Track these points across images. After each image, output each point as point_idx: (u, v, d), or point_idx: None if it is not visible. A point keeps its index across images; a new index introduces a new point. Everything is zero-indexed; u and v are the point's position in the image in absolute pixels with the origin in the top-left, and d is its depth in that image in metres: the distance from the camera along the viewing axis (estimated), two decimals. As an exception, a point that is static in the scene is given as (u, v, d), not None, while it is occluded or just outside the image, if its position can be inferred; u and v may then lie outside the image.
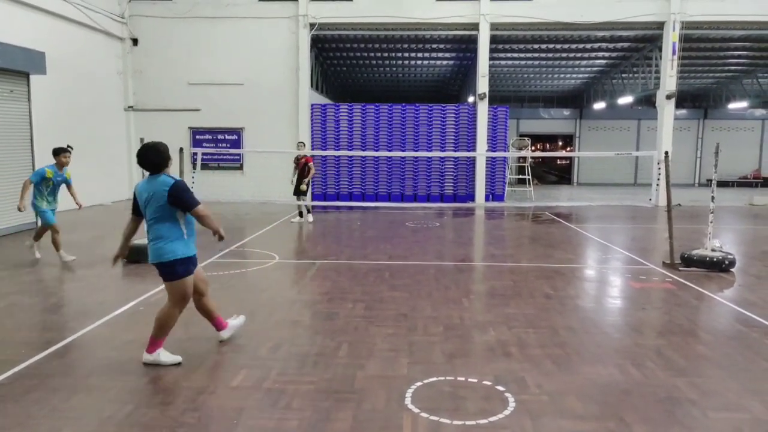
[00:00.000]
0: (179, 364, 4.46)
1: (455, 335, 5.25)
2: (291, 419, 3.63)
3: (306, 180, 12.49)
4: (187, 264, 4.51)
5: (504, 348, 4.91)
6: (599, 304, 6.53)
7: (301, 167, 12.51)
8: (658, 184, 8.82)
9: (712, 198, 8.26)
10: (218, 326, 4.97)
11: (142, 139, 8.67)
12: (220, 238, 4.72)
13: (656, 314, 6.02)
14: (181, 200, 4.33)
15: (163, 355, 4.48)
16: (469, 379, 4.23)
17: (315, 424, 3.57)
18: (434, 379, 4.24)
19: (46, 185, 8.23)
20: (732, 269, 8.00)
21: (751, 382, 4.23)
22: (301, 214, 13.01)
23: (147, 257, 8.03)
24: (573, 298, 6.67)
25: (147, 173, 4.46)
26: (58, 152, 8.39)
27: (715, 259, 7.95)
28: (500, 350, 4.86)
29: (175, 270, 4.44)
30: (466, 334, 5.29)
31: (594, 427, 3.52)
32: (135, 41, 17.66)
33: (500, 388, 4.08)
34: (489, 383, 4.17)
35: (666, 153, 8.24)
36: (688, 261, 8.10)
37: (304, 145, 12.66)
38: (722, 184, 26.23)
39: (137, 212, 4.59)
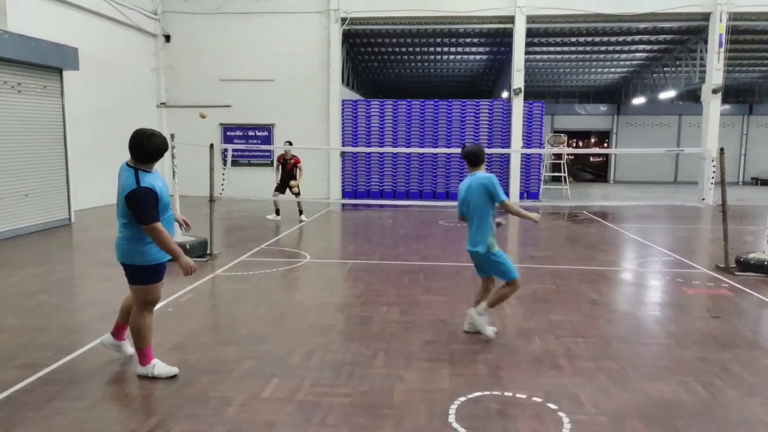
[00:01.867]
0: (175, 376, 4.12)
1: (499, 344, 4.90)
2: (326, 437, 3.35)
3: (297, 182, 12.13)
4: (160, 269, 4.14)
5: (552, 360, 4.55)
6: (651, 311, 6.10)
7: (290, 168, 12.20)
8: (713, 183, 8.28)
9: (771, 198, 7.70)
10: (118, 331, 4.42)
11: (172, 135, 8.56)
12: (186, 271, 4.08)
13: (716, 324, 5.56)
14: (134, 210, 3.87)
15: (158, 368, 4.11)
16: (518, 395, 3.90)
17: (352, 443, 3.29)
18: (479, 393, 3.92)
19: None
20: (793, 274, 7.46)
21: (833, 404, 3.80)
22: (278, 212, 12.53)
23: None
24: (621, 304, 6.26)
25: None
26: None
27: (774, 264, 7.41)
28: (548, 362, 4.50)
29: (145, 275, 4.05)
30: (510, 343, 4.95)
31: (662, 455, 3.16)
32: (167, 38, 17.66)
33: (552, 406, 3.74)
34: (539, 400, 3.82)
35: (721, 150, 7.72)
36: (745, 265, 7.57)
37: (291, 144, 12.31)
38: (767, 182, 25.18)
39: None
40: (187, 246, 8.12)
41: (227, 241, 9.98)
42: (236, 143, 17.51)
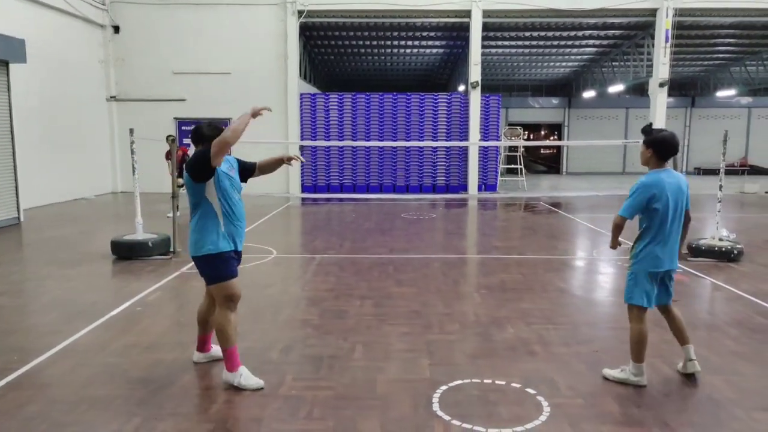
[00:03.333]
0: (261, 389, 3.86)
1: (473, 333, 5.02)
2: (315, 430, 3.37)
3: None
4: (230, 261, 3.88)
5: (527, 346, 4.69)
6: (614, 297, 6.32)
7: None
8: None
9: (720, 186, 8.13)
10: (202, 344, 4.29)
11: (131, 130, 8.32)
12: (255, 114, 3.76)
13: (677, 307, 5.82)
14: (192, 162, 3.80)
15: (245, 377, 3.87)
16: (497, 382, 4.01)
17: (341, 435, 3.32)
18: (460, 381, 4.01)
19: None
20: (740, 259, 7.88)
21: (788, 379, 4.07)
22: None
23: (138, 253, 7.80)
24: (588, 292, 6.48)
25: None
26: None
27: (723, 249, 7.82)
28: (523, 349, 4.64)
29: (216, 267, 3.85)
30: (485, 331, 5.07)
31: (638, 433, 3.33)
32: (116, 28, 17.07)
33: (531, 390, 3.86)
34: (518, 385, 3.94)
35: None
36: (696, 251, 7.96)
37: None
38: (709, 171, 26.36)
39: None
40: (150, 243, 7.96)
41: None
42: (192, 138, 17.11)
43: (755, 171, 26.19)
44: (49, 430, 3.35)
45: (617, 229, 3.99)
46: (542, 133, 32.70)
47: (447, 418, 3.50)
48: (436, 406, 3.65)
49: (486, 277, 7.15)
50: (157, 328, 5.14)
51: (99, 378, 4.06)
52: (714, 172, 25.91)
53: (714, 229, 8.23)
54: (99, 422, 3.45)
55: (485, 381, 4.03)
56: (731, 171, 26.25)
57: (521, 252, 8.65)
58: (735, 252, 7.82)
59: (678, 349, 4.58)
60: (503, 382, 4.00)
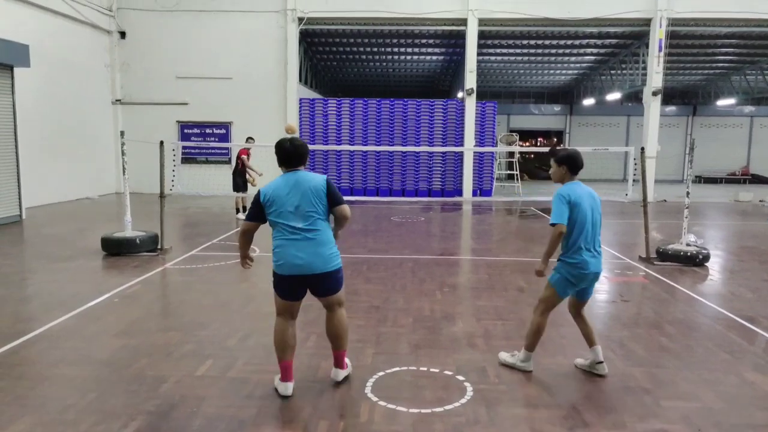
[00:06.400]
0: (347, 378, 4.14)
1: (423, 327, 5.32)
2: (250, 407, 3.69)
3: (250, 178, 12.25)
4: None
5: (470, 339, 4.98)
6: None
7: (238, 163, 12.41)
8: (635, 180, 8.91)
9: (687, 193, 8.36)
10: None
11: (122, 132, 8.73)
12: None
13: (625, 307, 6.11)
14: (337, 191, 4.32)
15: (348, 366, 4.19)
16: (431, 369, 4.31)
17: (274, 412, 3.64)
18: (397, 369, 4.31)
19: None
20: (706, 263, 8.10)
21: (707, 372, 4.32)
22: (238, 210, 12.47)
23: (126, 249, 8.18)
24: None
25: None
26: None
27: (689, 254, 8.05)
28: (465, 341, 4.93)
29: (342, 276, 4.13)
30: (435, 325, 5.36)
31: (546, 415, 3.60)
32: (123, 34, 17.60)
33: (460, 377, 4.16)
34: (450, 373, 4.24)
35: (642, 149, 8.33)
36: (664, 255, 8.19)
37: (253, 140, 12.62)
38: (710, 180, 26.41)
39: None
40: (138, 240, 8.34)
41: (180, 236, 10.18)
42: (193, 141, 17.60)
43: (757, 180, 26.17)
44: (12, 403, 3.70)
45: (558, 236, 4.04)
46: (554, 139, 32.89)
47: (375, 399, 3.81)
48: (368, 389, 3.96)
49: (452, 277, 7.44)
50: (130, 317, 5.49)
51: (65, 360, 4.42)
52: (715, 180, 26.04)
53: (683, 235, 8.45)
54: (57, 397, 3.80)
55: (421, 369, 4.33)
56: (733, 180, 26.29)
57: (495, 254, 8.92)
58: (700, 257, 8.03)
59: (611, 343, 4.86)
60: (437, 370, 4.30)
